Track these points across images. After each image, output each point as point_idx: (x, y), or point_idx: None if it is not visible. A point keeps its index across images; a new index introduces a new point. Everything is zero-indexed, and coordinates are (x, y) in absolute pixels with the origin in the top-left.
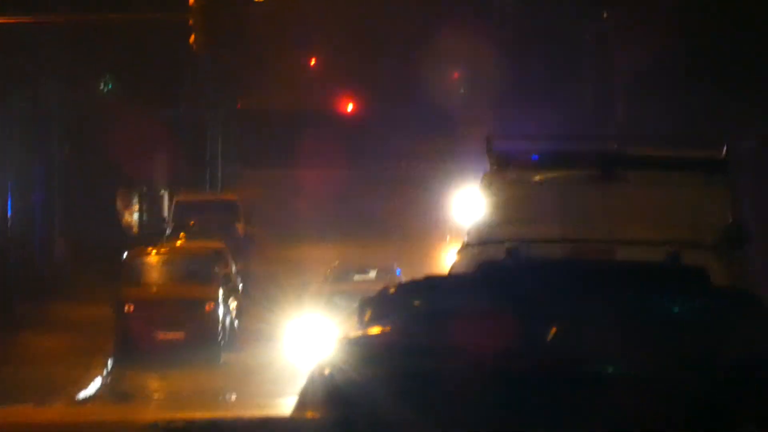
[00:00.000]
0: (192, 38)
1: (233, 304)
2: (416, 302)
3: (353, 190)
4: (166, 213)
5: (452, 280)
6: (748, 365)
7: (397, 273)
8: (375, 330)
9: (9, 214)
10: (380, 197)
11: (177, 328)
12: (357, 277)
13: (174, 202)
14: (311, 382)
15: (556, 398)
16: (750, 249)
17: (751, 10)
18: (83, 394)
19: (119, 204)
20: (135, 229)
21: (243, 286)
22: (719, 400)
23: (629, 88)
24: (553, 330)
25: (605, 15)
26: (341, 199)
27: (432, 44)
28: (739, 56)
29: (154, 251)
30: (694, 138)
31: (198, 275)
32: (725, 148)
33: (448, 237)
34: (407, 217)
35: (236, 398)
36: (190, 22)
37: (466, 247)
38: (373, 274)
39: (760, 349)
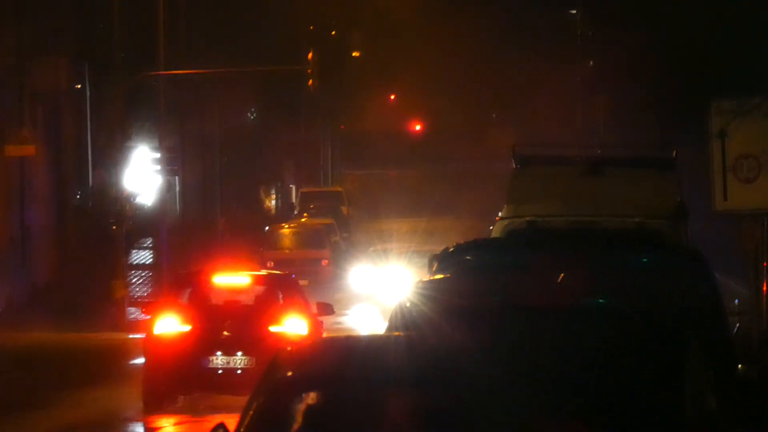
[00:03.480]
0: (310, 82)
1: (341, 260)
2: (467, 258)
3: (420, 184)
4: (294, 200)
5: (491, 242)
6: (691, 296)
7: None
8: (438, 277)
9: (178, 201)
10: (439, 188)
11: (303, 277)
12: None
13: (299, 192)
14: (396, 311)
15: (561, 325)
16: (689, 220)
17: (687, 61)
18: None
19: (262, 194)
20: (273, 212)
21: (347, 249)
22: (671, 322)
23: (608, 111)
24: (561, 276)
25: (591, 63)
26: (412, 190)
27: (475, 85)
28: (680, 91)
29: (286, 226)
30: (653, 144)
31: (316, 241)
32: (675, 152)
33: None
34: (459, 202)
35: (346, 319)
36: (309, 71)
37: (500, 221)
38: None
39: (698, 285)
